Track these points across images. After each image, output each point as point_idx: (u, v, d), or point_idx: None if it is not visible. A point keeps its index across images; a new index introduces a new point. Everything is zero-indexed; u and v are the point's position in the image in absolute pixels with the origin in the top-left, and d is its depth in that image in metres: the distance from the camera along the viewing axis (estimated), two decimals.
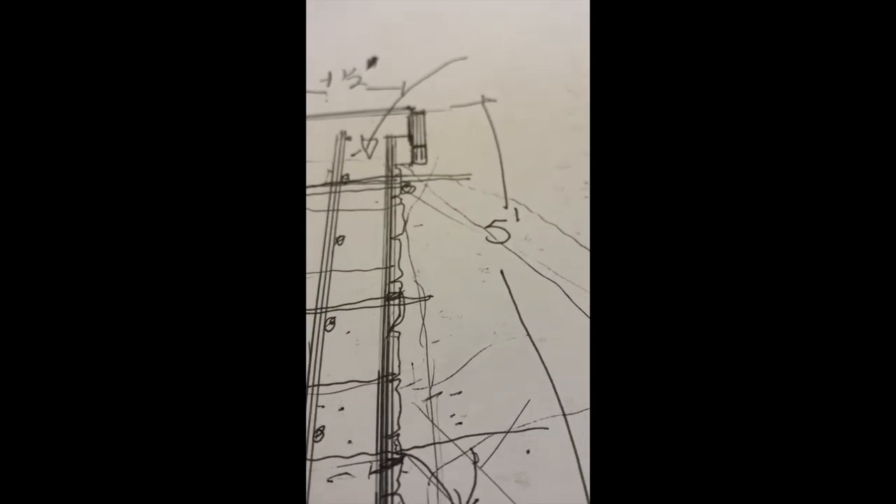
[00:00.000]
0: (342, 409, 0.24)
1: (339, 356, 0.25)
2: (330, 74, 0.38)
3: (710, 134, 0.16)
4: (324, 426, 0.23)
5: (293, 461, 0.16)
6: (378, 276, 0.28)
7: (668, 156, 0.16)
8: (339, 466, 0.22)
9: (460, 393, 0.24)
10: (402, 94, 0.36)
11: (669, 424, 0.16)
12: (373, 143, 0.34)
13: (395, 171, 0.32)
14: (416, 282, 0.27)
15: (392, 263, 0.28)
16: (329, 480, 0.22)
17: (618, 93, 0.17)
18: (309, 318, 0.26)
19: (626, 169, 0.17)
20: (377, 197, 0.31)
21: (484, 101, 0.35)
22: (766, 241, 0.16)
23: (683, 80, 0.16)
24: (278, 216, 0.17)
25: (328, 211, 0.30)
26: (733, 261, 0.16)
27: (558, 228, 0.29)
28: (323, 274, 0.28)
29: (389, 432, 0.23)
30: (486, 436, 0.23)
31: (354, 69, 0.38)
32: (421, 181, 0.31)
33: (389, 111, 0.35)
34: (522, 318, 0.26)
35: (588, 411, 0.23)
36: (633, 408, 0.16)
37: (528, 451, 0.23)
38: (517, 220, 0.30)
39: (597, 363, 0.17)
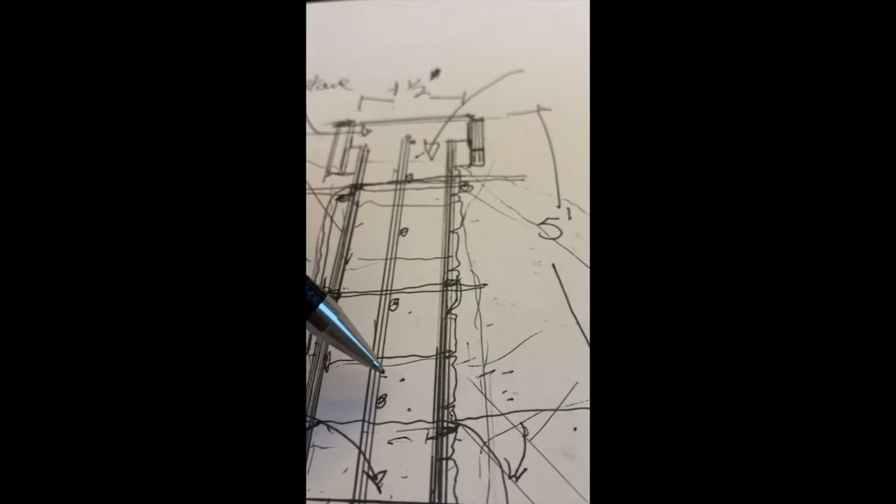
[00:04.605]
0: (403, 379, 0.26)
1: (402, 333, 0.27)
2: (396, 84, 0.41)
3: (703, 138, 0.17)
4: (386, 394, 0.26)
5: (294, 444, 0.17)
6: (437, 265, 0.30)
7: (670, 163, 0.17)
8: (398, 431, 0.24)
9: (512, 372, 0.26)
10: (463, 103, 0.39)
11: (672, 422, 0.16)
12: (435, 146, 0.36)
13: (455, 172, 0.34)
14: (472, 271, 0.29)
15: (450, 254, 0.30)
16: (389, 443, 0.24)
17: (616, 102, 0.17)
18: (375, 299, 0.29)
19: (625, 168, 0.17)
20: (438, 195, 0.33)
21: (539, 109, 0.37)
22: (784, 238, 0.16)
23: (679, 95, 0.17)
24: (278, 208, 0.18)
25: (393, 206, 0.33)
26: (733, 253, 0.16)
27: None
28: (388, 261, 0.30)
29: (445, 403, 0.25)
30: (535, 412, 0.25)
31: (419, 80, 0.41)
32: (478, 181, 0.34)
33: (450, 118, 0.38)
34: (572, 307, 0.28)
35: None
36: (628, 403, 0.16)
37: (574, 429, 0.24)
38: (569, 218, 0.31)
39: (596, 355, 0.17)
